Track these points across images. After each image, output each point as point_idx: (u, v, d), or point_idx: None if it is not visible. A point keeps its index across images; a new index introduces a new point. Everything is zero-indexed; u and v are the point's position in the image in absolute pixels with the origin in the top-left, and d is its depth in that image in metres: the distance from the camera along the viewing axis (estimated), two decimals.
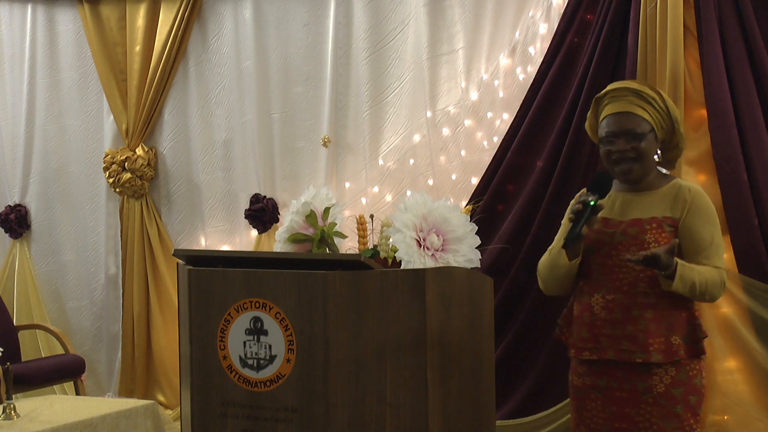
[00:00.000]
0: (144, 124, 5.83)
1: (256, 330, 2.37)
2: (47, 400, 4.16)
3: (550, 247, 2.74)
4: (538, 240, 4.41)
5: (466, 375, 2.46)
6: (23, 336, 5.76)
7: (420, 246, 2.50)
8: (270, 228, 5.51)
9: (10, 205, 6.17)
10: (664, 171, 2.76)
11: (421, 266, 2.45)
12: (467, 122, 4.98)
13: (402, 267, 2.49)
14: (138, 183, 5.82)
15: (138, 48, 5.83)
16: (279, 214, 5.51)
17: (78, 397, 5.17)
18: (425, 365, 2.30)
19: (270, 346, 2.36)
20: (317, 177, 5.36)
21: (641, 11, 4.26)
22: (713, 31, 4.14)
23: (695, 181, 4.23)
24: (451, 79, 5.03)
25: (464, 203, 4.75)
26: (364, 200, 5.18)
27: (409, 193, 4.96)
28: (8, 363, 4.09)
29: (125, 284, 5.92)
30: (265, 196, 5.52)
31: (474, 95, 4.96)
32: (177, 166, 5.84)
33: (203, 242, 5.78)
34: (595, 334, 2.59)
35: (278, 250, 2.76)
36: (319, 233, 2.73)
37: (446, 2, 5.02)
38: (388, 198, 5.13)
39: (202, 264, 2.54)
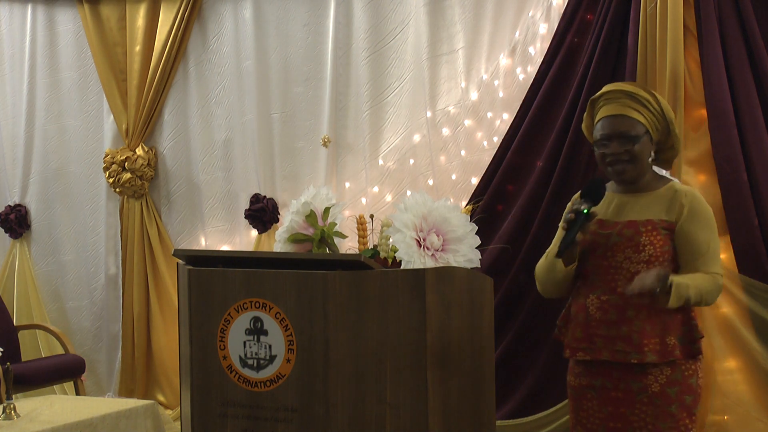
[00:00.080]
0: (144, 124, 5.83)
1: (256, 330, 2.37)
2: (47, 400, 4.16)
3: (547, 251, 2.75)
4: (538, 240, 4.41)
5: (466, 375, 2.46)
6: (23, 336, 5.76)
7: (420, 246, 2.50)
8: (270, 228, 5.51)
9: (10, 205, 6.17)
10: (662, 172, 2.77)
11: (421, 266, 2.45)
12: (467, 122, 4.98)
13: (402, 267, 2.49)
14: (138, 183, 5.82)
15: (138, 48, 5.83)
16: (279, 214, 5.51)
17: (78, 397, 5.17)
18: (425, 365, 2.30)
19: (270, 346, 2.36)
20: (317, 177, 5.36)
21: (641, 11, 4.26)
22: (713, 31, 4.14)
23: (695, 181, 4.23)
24: (451, 79, 5.03)
25: (464, 203, 4.75)
26: (364, 200, 5.18)
27: (409, 193, 4.96)
28: (8, 363, 4.09)
29: (125, 284, 5.92)
30: (265, 196, 5.52)
31: (474, 95, 4.96)
32: (177, 166, 5.84)
33: (203, 242, 5.78)
34: (590, 335, 2.60)
35: (278, 250, 2.76)
36: (319, 233, 2.73)
37: (446, 2, 5.02)
38: (388, 198, 5.13)
39: (202, 264, 2.55)
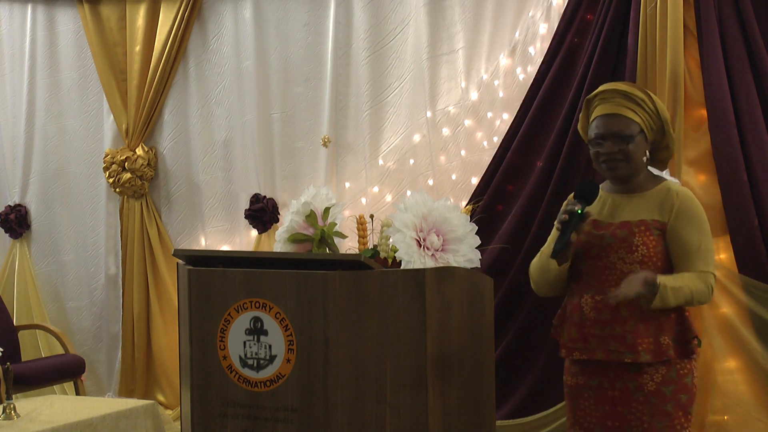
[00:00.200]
0: (144, 124, 5.83)
1: (256, 330, 2.38)
2: (47, 400, 4.16)
3: (541, 250, 2.75)
4: (538, 240, 4.40)
5: (466, 375, 2.46)
6: (23, 336, 5.75)
7: (420, 246, 2.50)
8: (270, 228, 5.51)
9: (10, 205, 6.17)
10: (656, 172, 2.77)
11: (421, 266, 2.45)
12: (467, 122, 4.98)
13: (402, 267, 2.49)
14: (138, 183, 5.82)
15: (138, 48, 5.83)
16: (279, 214, 5.51)
17: (78, 397, 5.17)
18: (425, 365, 2.30)
19: (270, 346, 2.36)
20: (317, 177, 5.36)
21: (641, 11, 4.26)
22: (713, 31, 4.14)
23: (695, 181, 4.23)
24: (451, 79, 5.03)
25: (464, 203, 4.75)
26: (364, 200, 5.18)
27: (409, 193, 4.96)
28: (8, 363, 4.09)
29: (125, 284, 5.91)
30: (265, 196, 5.52)
31: (474, 95, 4.96)
32: (177, 166, 5.84)
33: (203, 242, 5.78)
34: (585, 335, 2.60)
35: (278, 250, 2.77)
36: (319, 233, 2.73)
37: (446, 2, 5.02)
38: (388, 198, 5.12)
39: (202, 264, 2.55)
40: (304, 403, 2.32)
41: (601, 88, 2.68)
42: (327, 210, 2.78)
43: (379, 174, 5.16)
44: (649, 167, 2.72)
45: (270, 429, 2.36)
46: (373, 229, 3.15)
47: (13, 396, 3.85)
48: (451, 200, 2.71)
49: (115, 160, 5.83)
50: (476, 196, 4.68)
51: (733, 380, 4.09)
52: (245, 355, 2.39)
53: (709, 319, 4.09)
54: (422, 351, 2.30)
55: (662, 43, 4.21)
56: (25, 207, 6.16)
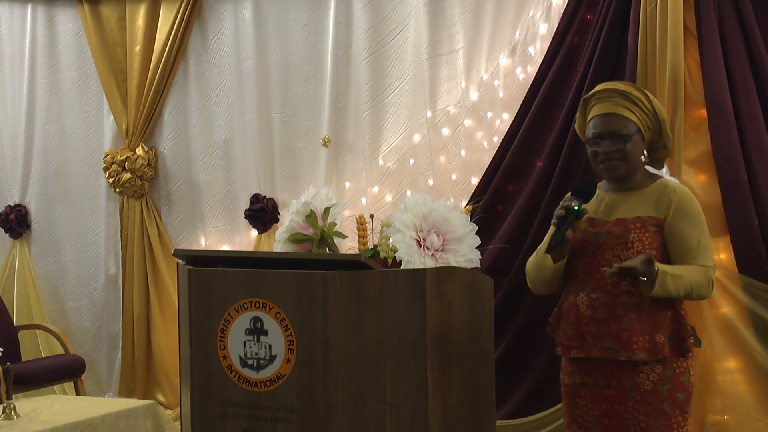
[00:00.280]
0: (144, 124, 5.83)
1: (256, 330, 2.37)
2: (47, 400, 4.16)
3: (537, 248, 2.76)
4: (538, 240, 4.36)
5: (466, 375, 2.46)
6: (23, 336, 5.75)
7: (420, 246, 2.50)
8: (270, 228, 5.51)
9: (10, 205, 6.17)
10: (652, 170, 2.77)
11: (421, 266, 2.45)
12: (467, 122, 4.98)
13: (402, 267, 2.49)
14: (138, 183, 5.82)
15: (138, 48, 5.83)
16: (279, 214, 5.51)
17: (78, 397, 5.17)
18: (425, 365, 2.30)
19: (270, 346, 2.36)
20: (317, 177, 5.36)
21: (641, 11, 4.26)
22: (713, 31, 4.14)
23: (695, 181, 4.23)
24: (451, 79, 5.03)
25: (464, 203, 4.75)
26: (364, 200, 5.18)
27: (409, 193, 4.96)
28: (8, 363, 4.09)
29: (125, 284, 5.92)
30: (265, 196, 5.52)
31: (474, 95, 4.97)
32: (177, 166, 5.84)
33: (203, 242, 5.78)
34: (581, 333, 2.61)
35: (278, 250, 2.77)
36: (319, 233, 2.73)
37: (446, 2, 5.02)
38: (388, 198, 5.13)
39: (202, 264, 2.55)
40: (304, 403, 2.32)
41: (598, 87, 2.69)
42: (327, 210, 2.78)
43: (379, 174, 5.16)
44: (646, 166, 2.72)
45: (270, 429, 2.36)
46: (373, 229, 3.15)
47: (13, 396, 3.85)
48: (451, 200, 2.71)
49: (115, 160, 5.83)
50: (476, 196, 4.68)
51: (733, 380, 4.09)
52: (245, 355, 2.39)
53: (709, 319, 4.09)
54: (422, 351, 2.30)
55: (662, 43, 4.21)
56: (25, 207, 6.16)
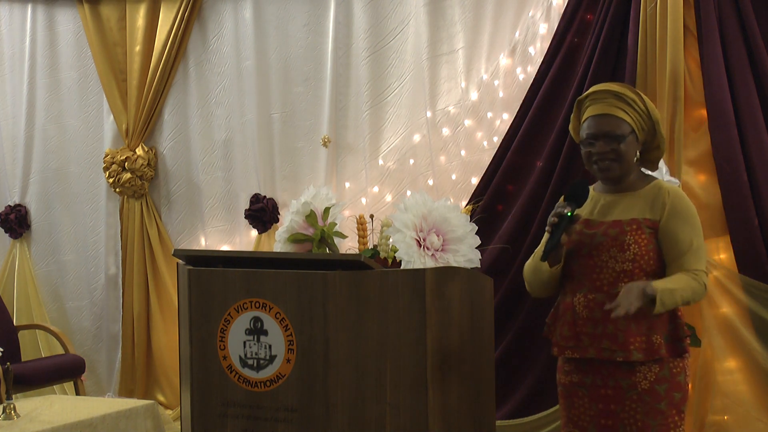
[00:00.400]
0: (144, 124, 5.83)
1: (256, 330, 2.38)
2: (47, 400, 4.16)
3: (534, 252, 2.76)
4: (538, 240, 4.36)
5: (466, 375, 2.46)
6: (23, 336, 5.75)
7: (420, 246, 2.51)
8: (270, 228, 5.51)
9: (10, 205, 6.17)
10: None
11: (421, 266, 2.45)
12: (467, 122, 4.98)
13: (402, 267, 2.49)
14: (138, 183, 5.82)
15: (138, 48, 5.83)
16: (279, 214, 5.51)
17: (78, 397, 5.17)
18: (425, 365, 2.30)
19: (270, 346, 2.36)
20: (317, 177, 5.36)
21: (641, 11, 4.26)
22: (713, 31, 4.14)
23: (695, 181, 4.23)
24: (451, 79, 5.03)
25: (464, 203, 4.75)
26: (364, 200, 5.18)
27: (409, 193, 4.96)
28: (8, 363, 4.09)
29: (125, 284, 5.91)
30: (265, 196, 5.52)
31: (474, 95, 4.97)
32: (177, 166, 5.84)
33: (203, 242, 5.78)
34: (577, 333, 2.61)
35: (278, 250, 2.77)
36: (319, 233, 2.73)
37: (446, 2, 5.02)
38: (388, 198, 5.13)
39: (202, 264, 2.55)
40: (304, 403, 2.32)
41: (592, 89, 2.70)
42: (327, 210, 2.78)
43: (379, 174, 5.16)
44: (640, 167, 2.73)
45: (270, 429, 2.36)
46: (373, 229, 3.15)
47: (13, 396, 3.85)
48: (451, 200, 2.71)
49: (115, 160, 5.83)
50: (476, 196, 4.68)
51: (733, 380, 4.09)
52: (245, 355, 2.39)
53: (709, 319, 4.09)
54: (422, 351, 2.30)
55: (662, 43, 4.21)
56: (25, 207, 6.16)
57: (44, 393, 5.01)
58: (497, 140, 4.82)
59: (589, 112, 2.66)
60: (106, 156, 5.88)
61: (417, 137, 5.10)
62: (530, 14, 4.84)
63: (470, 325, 2.48)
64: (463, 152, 4.97)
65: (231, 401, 2.41)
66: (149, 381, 5.90)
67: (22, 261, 6.16)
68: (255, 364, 2.37)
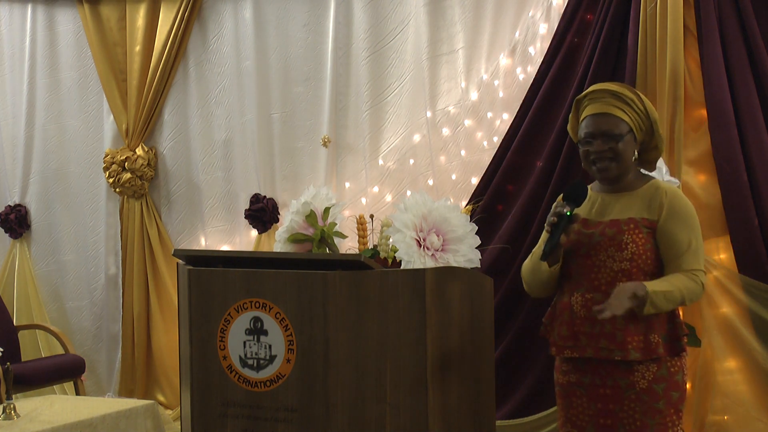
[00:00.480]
0: (144, 124, 5.83)
1: (256, 330, 2.38)
2: (47, 400, 4.16)
3: (532, 252, 2.76)
4: (537, 240, 4.39)
5: (466, 375, 2.46)
6: (23, 336, 5.75)
7: (420, 246, 2.51)
8: (270, 228, 5.51)
9: (10, 205, 6.17)
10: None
11: (421, 266, 2.45)
12: (467, 122, 4.98)
13: (402, 267, 2.49)
14: (138, 183, 5.82)
15: (138, 48, 5.83)
16: (279, 214, 5.51)
17: (78, 397, 5.17)
18: (425, 365, 2.30)
19: (270, 346, 2.36)
20: (317, 177, 5.36)
21: (641, 11, 4.26)
22: (713, 31, 4.14)
23: (695, 181, 4.23)
24: (451, 79, 5.03)
25: (464, 203, 4.75)
26: (364, 200, 5.18)
27: (409, 193, 4.96)
28: (8, 363, 4.09)
29: (125, 284, 5.92)
30: (265, 196, 5.52)
31: (474, 95, 4.97)
32: (177, 166, 5.84)
33: (203, 242, 5.78)
34: (575, 332, 2.62)
35: (278, 250, 2.77)
36: (319, 233, 2.73)
37: (446, 2, 5.02)
38: (388, 198, 5.13)
39: (202, 264, 2.55)
40: (304, 403, 2.32)
41: (591, 88, 2.71)
42: (327, 210, 2.78)
43: (379, 174, 5.16)
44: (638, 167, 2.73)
45: (270, 429, 2.36)
46: (373, 229, 3.15)
47: (13, 396, 3.85)
48: (451, 200, 2.71)
49: (115, 160, 5.83)
50: (476, 196, 4.68)
51: (733, 380, 4.09)
52: (245, 355, 2.39)
53: (709, 319, 4.09)
54: (422, 351, 2.30)
55: (662, 43, 4.21)
56: (25, 207, 6.16)
57: (44, 393, 5.01)
58: (497, 140, 4.82)
59: (587, 112, 2.67)
60: (106, 156, 5.88)
61: (417, 137, 5.10)
62: (530, 14, 4.84)
63: (470, 325, 2.48)
64: (463, 152, 4.97)
65: (231, 401, 2.41)
66: (149, 381, 5.91)
67: (22, 261, 6.16)
68: (255, 364, 2.37)
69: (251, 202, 5.55)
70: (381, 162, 5.17)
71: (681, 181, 4.07)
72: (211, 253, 3.76)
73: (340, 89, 5.31)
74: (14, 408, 3.76)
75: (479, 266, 2.61)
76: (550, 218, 2.56)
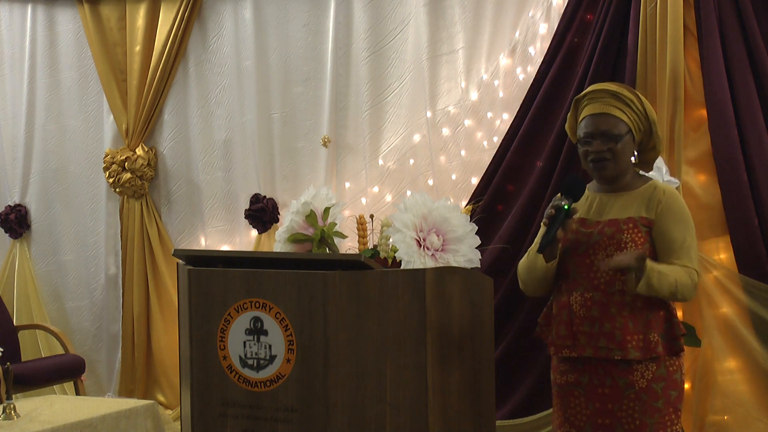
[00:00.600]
0: (144, 124, 5.83)
1: (256, 330, 2.37)
2: (47, 400, 4.16)
3: (528, 250, 2.76)
4: None
5: (466, 375, 2.46)
6: (23, 336, 5.76)
7: (420, 246, 2.51)
8: (270, 228, 5.51)
9: (10, 205, 6.17)
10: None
11: (421, 266, 2.45)
12: (467, 122, 4.98)
13: (402, 267, 2.49)
14: (138, 183, 5.82)
15: (138, 48, 5.83)
16: (279, 214, 5.51)
17: (78, 397, 5.17)
18: (425, 365, 2.30)
19: (270, 346, 2.36)
20: (317, 177, 5.36)
21: (641, 11, 4.26)
22: (713, 31, 4.14)
23: (695, 181, 4.23)
24: (451, 79, 5.03)
25: (464, 203, 4.75)
26: (364, 200, 5.18)
27: (409, 193, 4.96)
28: (8, 363, 4.09)
29: (125, 284, 5.92)
30: (265, 196, 5.52)
31: (474, 95, 4.97)
32: (177, 166, 5.85)
33: (203, 242, 5.78)
34: (574, 332, 2.62)
35: (278, 250, 2.77)
36: (319, 233, 2.73)
37: (446, 2, 5.02)
38: (388, 198, 5.13)
39: (202, 264, 2.55)
40: (304, 403, 2.32)
41: (590, 88, 2.71)
42: (327, 210, 2.78)
43: (379, 174, 5.16)
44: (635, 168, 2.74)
45: (270, 429, 2.36)
46: (373, 229, 3.15)
47: (13, 396, 3.85)
48: (451, 200, 2.71)
49: (115, 160, 5.83)
50: (476, 196, 4.69)
51: (733, 380, 4.09)
52: (245, 355, 2.39)
53: (709, 319, 4.09)
54: (422, 351, 2.30)
55: (662, 43, 4.21)
56: (25, 207, 6.16)
57: (44, 393, 5.01)
58: (497, 140, 4.82)
59: (586, 111, 2.67)
60: (106, 156, 5.88)
61: (417, 137, 5.10)
62: (530, 14, 4.84)
63: (470, 325, 2.48)
64: (463, 152, 4.97)
65: (231, 401, 2.41)
66: (149, 381, 5.91)
67: (22, 261, 6.16)
68: (255, 364, 2.37)
69: (251, 202, 5.55)
70: (381, 162, 5.17)
71: (681, 181, 4.07)
72: (211, 253, 3.76)
73: (340, 89, 5.31)
74: (14, 408, 3.76)
75: (479, 266, 2.61)
76: (548, 210, 2.56)
